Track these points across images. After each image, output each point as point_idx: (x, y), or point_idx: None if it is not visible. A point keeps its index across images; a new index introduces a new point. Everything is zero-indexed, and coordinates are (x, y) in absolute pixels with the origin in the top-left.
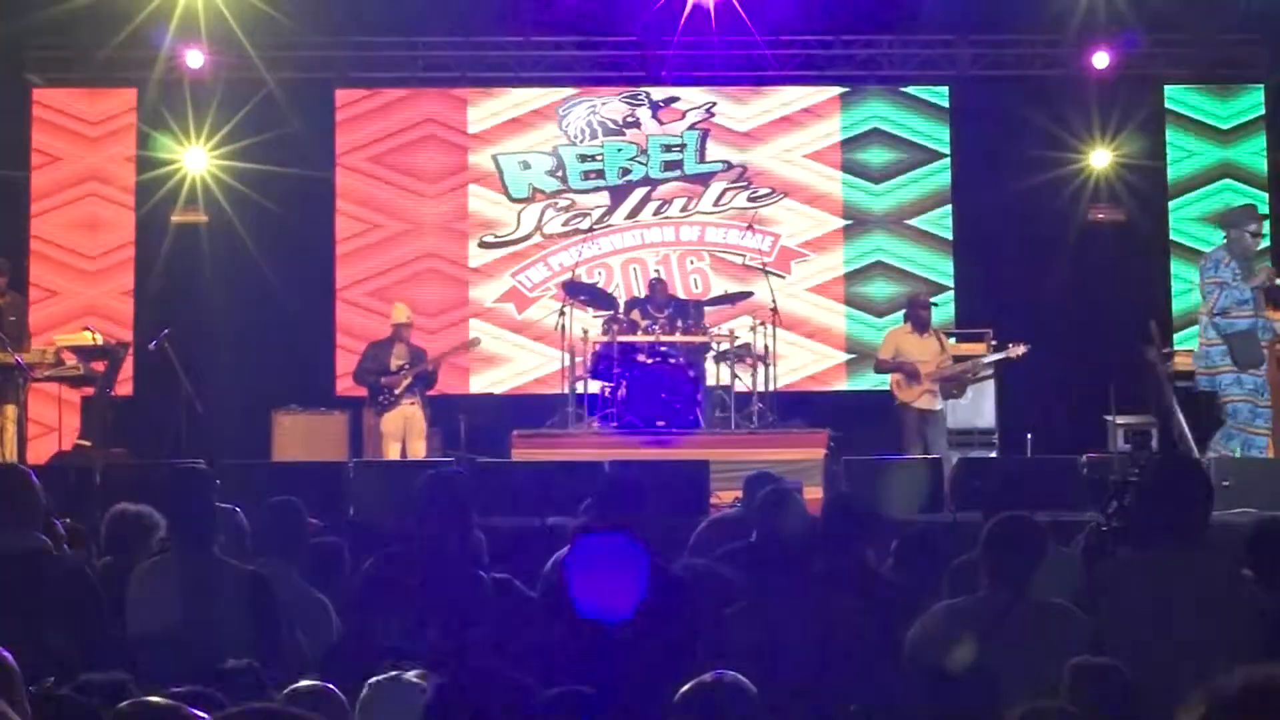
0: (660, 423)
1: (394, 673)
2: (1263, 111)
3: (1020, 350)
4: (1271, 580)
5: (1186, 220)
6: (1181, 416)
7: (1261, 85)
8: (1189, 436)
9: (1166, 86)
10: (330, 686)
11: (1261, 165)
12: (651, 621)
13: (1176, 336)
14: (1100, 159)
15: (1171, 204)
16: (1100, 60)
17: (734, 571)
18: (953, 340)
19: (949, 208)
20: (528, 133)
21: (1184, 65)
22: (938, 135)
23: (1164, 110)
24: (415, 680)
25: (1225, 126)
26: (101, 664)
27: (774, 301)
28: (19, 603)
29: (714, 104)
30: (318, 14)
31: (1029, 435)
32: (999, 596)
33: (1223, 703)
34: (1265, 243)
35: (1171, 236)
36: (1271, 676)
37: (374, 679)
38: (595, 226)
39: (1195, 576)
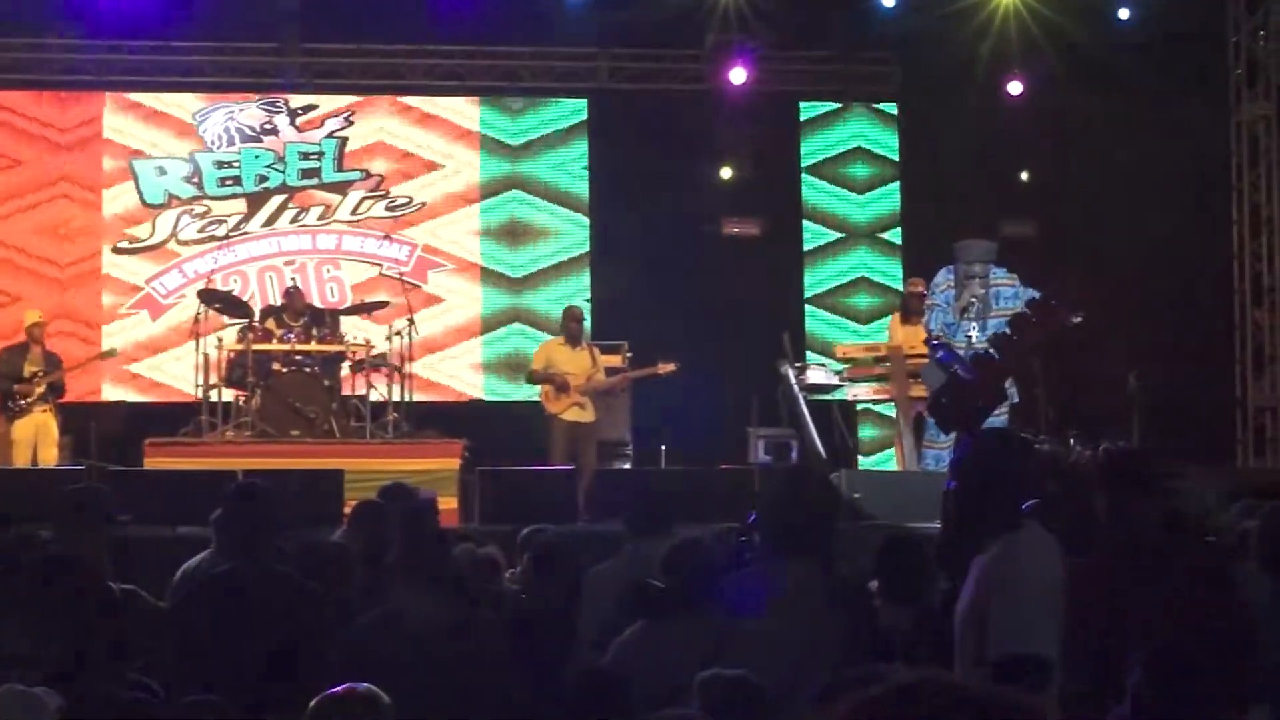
0: (294, 431)
1: (17, 686)
2: (896, 129)
3: (669, 368)
4: (895, 593)
5: (818, 234)
6: (813, 429)
7: (895, 102)
8: (820, 449)
9: (802, 103)
10: None
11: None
12: (282, 630)
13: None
14: (736, 173)
15: (805, 218)
16: (738, 76)
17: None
18: None
19: (587, 220)
20: (164, 138)
21: (821, 82)
22: (577, 147)
23: (799, 126)
24: (39, 694)
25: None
26: None
27: (410, 311)
28: None
29: (353, 112)
30: None
31: (663, 447)
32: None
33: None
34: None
35: (805, 250)
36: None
37: None
38: (231, 234)
39: (819, 587)
